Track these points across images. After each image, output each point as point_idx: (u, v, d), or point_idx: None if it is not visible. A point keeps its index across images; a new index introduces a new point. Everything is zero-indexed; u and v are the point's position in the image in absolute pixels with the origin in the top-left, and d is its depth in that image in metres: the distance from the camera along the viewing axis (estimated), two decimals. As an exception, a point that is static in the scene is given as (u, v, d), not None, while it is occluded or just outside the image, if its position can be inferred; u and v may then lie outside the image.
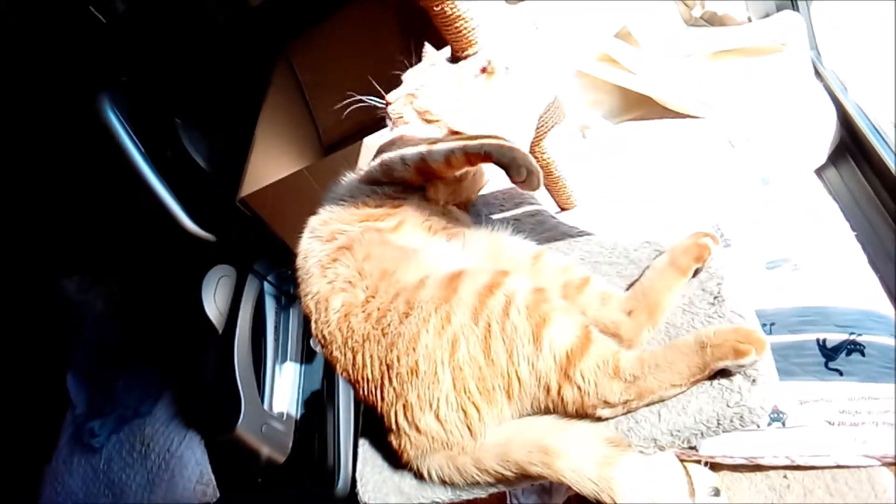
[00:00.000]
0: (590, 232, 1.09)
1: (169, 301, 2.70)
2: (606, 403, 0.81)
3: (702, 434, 0.80)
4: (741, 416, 0.77)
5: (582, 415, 0.83)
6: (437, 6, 1.44)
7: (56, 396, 2.93)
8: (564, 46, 1.50)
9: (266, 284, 2.65)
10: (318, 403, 2.43)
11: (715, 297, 0.87)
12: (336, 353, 0.98)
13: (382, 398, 0.92)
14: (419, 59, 1.48)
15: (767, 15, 2.07)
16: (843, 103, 1.94)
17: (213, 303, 2.39)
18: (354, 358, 0.94)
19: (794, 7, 2.03)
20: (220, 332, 2.37)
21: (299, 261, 1.08)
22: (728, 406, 0.78)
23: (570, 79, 1.65)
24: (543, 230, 1.11)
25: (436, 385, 0.86)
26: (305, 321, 2.81)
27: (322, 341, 1.01)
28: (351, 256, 1.01)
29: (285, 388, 2.51)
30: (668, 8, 2.14)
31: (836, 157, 1.96)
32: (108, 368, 2.86)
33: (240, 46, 2.90)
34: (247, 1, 3.10)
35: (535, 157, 1.67)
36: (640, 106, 2.20)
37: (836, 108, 1.95)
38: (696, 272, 0.91)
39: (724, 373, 0.80)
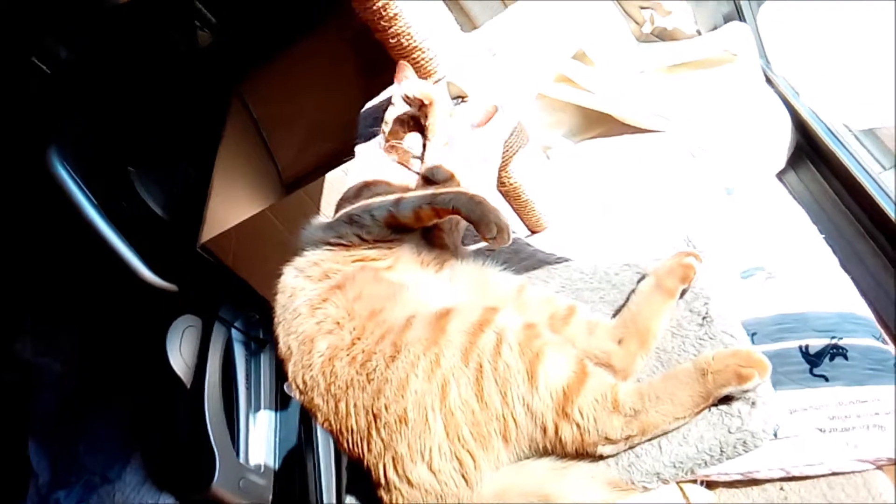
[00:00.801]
0: (567, 258, 1.06)
1: (132, 357, 2.59)
2: (608, 440, 0.78)
3: (705, 463, 0.77)
4: (744, 442, 0.75)
5: (582, 453, 0.79)
6: (392, 38, 1.42)
7: (18, 466, 2.77)
8: (523, 71, 1.49)
9: (234, 331, 2.56)
10: (296, 452, 2.34)
11: (703, 318, 0.85)
12: (317, 401, 0.92)
13: (369, 450, 0.86)
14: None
15: (716, 27, 2.11)
16: (796, 108, 1.98)
17: (180, 356, 2.30)
18: (337, 406, 0.89)
19: (741, 18, 2.08)
20: (189, 385, 2.28)
21: (282, 299, 1.02)
22: (730, 432, 0.75)
23: (531, 103, 1.64)
24: (520, 259, 1.08)
25: (427, 434, 0.81)
26: (278, 365, 2.74)
27: (301, 387, 0.95)
28: (342, 296, 0.96)
29: (261, 439, 2.42)
30: (619, 26, 2.16)
31: (794, 161, 2.00)
32: (71, 432, 2.72)
33: (191, 88, 2.84)
34: (196, 42, 3.06)
35: (503, 183, 1.66)
36: (599, 124, 2.21)
37: (790, 113, 1.99)
38: (683, 293, 0.89)
39: (723, 397, 0.77)
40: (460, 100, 1.43)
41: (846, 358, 1.28)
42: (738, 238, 1.54)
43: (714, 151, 1.88)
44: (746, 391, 0.75)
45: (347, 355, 0.90)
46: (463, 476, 0.81)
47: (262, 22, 3.18)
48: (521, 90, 1.46)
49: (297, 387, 0.95)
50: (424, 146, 1.16)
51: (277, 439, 2.51)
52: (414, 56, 1.43)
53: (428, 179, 1.12)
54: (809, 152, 1.99)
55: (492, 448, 0.81)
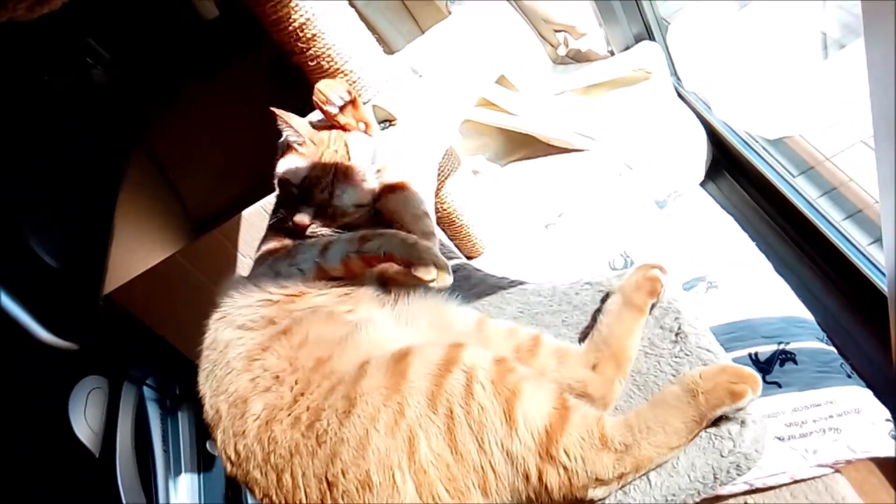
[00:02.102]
0: (521, 280, 0.99)
1: (29, 429, 2.30)
2: (598, 481, 0.70)
3: (698, 493, 0.71)
4: (738, 465, 0.70)
5: (570, 500, 0.71)
6: (312, 61, 1.33)
7: None
8: (451, 92, 1.44)
9: (146, 389, 2.33)
10: (225, 516, 2.14)
11: (676, 334, 0.80)
12: (254, 474, 0.78)
13: None
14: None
15: (628, 47, 2.15)
16: (710, 122, 2.04)
17: (85, 422, 2.05)
18: (280, 478, 0.75)
19: (651, 37, 2.13)
20: (97, 454, 2.03)
21: (212, 355, 0.89)
22: (722, 456, 0.70)
23: (458, 126, 1.59)
24: (471, 285, 1.00)
25: (396, 497, 0.70)
26: (198, 422, 2.52)
27: (233, 458, 0.81)
28: (286, 342, 0.84)
29: (184, 506, 2.19)
30: (535, 49, 2.17)
31: (711, 173, 2.05)
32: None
33: (86, 129, 2.63)
34: (89, 80, 2.85)
35: (437, 209, 1.59)
36: (524, 146, 2.20)
37: (704, 127, 2.04)
38: (651, 307, 0.84)
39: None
40: (388, 123, 1.35)
41: (795, 362, 1.27)
42: (674, 250, 1.54)
43: (640, 167, 1.89)
44: (740, 409, 0.70)
45: (289, 415, 0.77)
46: None
47: (163, 58, 3.01)
48: (449, 111, 1.40)
49: (228, 458, 0.82)
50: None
51: (202, 504, 2.29)
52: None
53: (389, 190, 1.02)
54: (726, 163, 2.05)
55: None
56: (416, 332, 0.86)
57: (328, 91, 1.03)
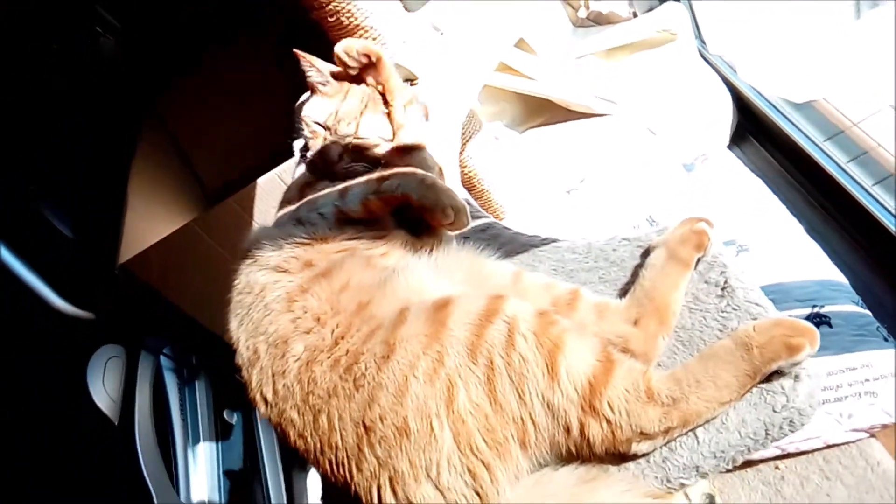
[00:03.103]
0: (553, 238, 0.96)
1: (49, 397, 2.30)
2: (643, 435, 0.67)
3: (748, 449, 0.68)
4: (791, 421, 0.67)
5: (613, 453, 0.69)
6: (331, 17, 1.28)
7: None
8: (473, 51, 1.40)
9: (163, 359, 2.33)
10: (243, 484, 2.14)
11: (723, 289, 0.77)
12: (290, 413, 0.76)
13: (359, 470, 0.71)
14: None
15: (651, 9, 2.08)
16: (736, 85, 1.98)
17: (104, 390, 2.05)
18: (317, 419, 0.74)
19: (676, -2, 2.06)
20: (116, 422, 2.03)
21: (247, 298, 0.87)
22: (775, 411, 0.67)
23: (480, 88, 1.54)
24: (500, 244, 0.97)
25: (433, 445, 0.68)
26: (216, 391, 2.52)
27: (270, 398, 0.79)
28: (326, 285, 0.82)
29: (202, 474, 2.20)
30: (556, 12, 2.11)
31: (736, 138, 2.00)
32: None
33: (96, 99, 2.59)
34: (98, 50, 2.81)
35: (459, 171, 1.55)
36: (542, 111, 2.15)
37: (729, 90, 1.98)
38: (696, 263, 0.81)
39: (764, 374, 0.69)
40: (409, 83, 1.31)
41: (830, 325, 1.24)
42: (703, 213, 1.49)
43: (664, 131, 1.84)
44: (796, 364, 0.67)
45: (329, 358, 0.75)
46: (477, 492, 0.68)
47: (174, 29, 2.97)
48: (472, 71, 1.36)
49: (264, 399, 0.80)
50: (389, 114, 1.03)
51: (220, 473, 2.30)
52: (356, 36, 1.31)
53: (401, 151, 1.00)
54: (751, 127, 1.99)
55: (509, 456, 0.68)
56: (452, 283, 0.84)
57: (345, 56, 1.02)
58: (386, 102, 1.04)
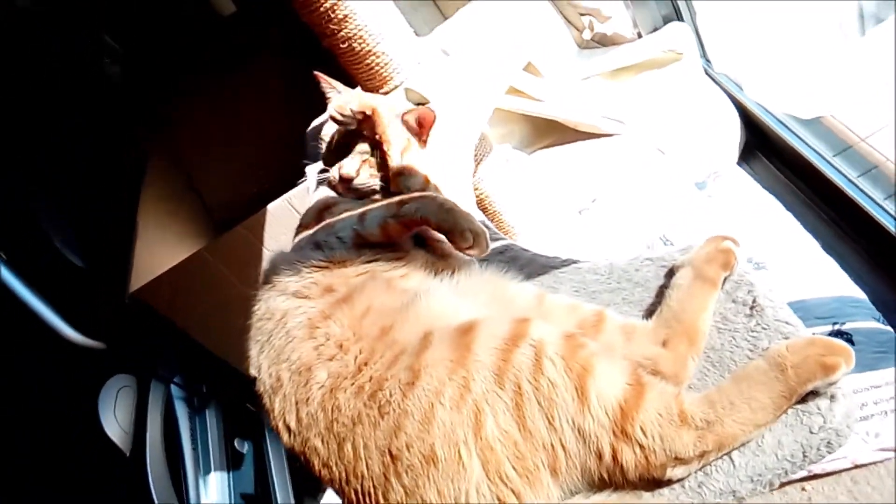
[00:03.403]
0: (574, 259, 0.95)
1: (61, 428, 2.28)
2: (678, 460, 0.66)
3: (786, 472, 0.67)
4: (828, 442, 0.65)
5: (647, 479, 0.67)
6: (343, 43, 1.30)
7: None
8: (483, 74, 1.40)
9: (173, 388, 2.31)
10: (256, 514, 2.11)
11: (751, 308, 0.76)
12: (314, 442, 0.76)
13: (386, 499, 0.70)
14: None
15: (656, 29, 2.10)
16: (743, 103, 1.98)
17: (115, 421, 2.03)
18: (342, 448, 0.73)
19: (679, 18, 2.08)
20: (128, 453, 2.01)
21: (268, 325, 0.87)
22: (812, 432, 0.66)
23: (491, 110, 1.55)
24: (520, 266, 0.96)
25: (461, 474, 0.67)
26: (226, 420, 2.50)
27: (293, 426, 0.78)
28: (348, 311, 0.82)
29: (215, 504, 2.17)
30: (561, 35, 2.12)
31: (745, 155, 2.00)
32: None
33: (103, 126, 2.61)
34: (104, 73, 2.84)
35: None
36: (550, 132, 2.15)
37: (736, 108, 1.99)
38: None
39: (799, 395, 0.67)
40: (421, 106, 1.32)
41: (852, 343, 1.22)
42: (717, 231, 1.49)
43: (673, 150, 1.84)
44: (832, 383, 0.66)
45: (353, 384, 0.75)
46: None
47: (177, 55, 3.00)
48: (483, 94, 1.36)
49: (287, 427, 0.80)
50: (383, 160, 1.04)
51: (232, 502, 2.27)
52: (367, 62, 1.32)
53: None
54: (759, 144, 1.99)
55: (539, 483, 0.67)
56: (475, 305, 0.83)
57: (339, 116, 1.05)
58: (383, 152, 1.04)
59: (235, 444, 2.37)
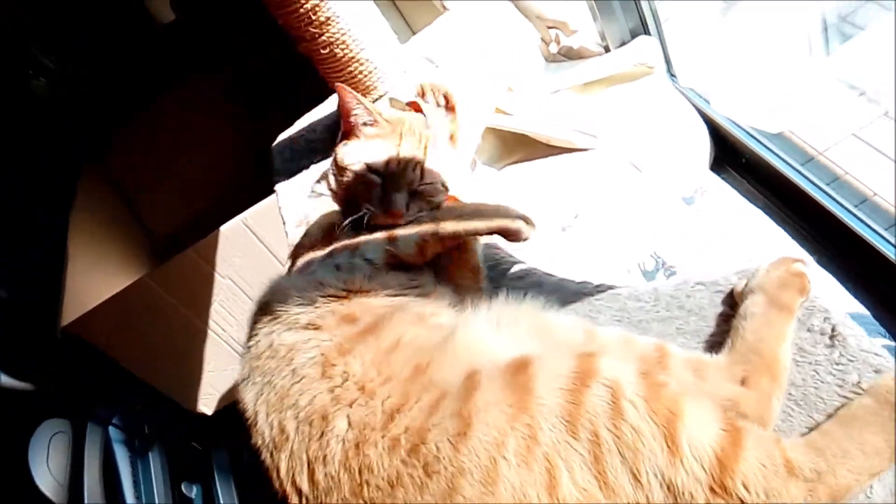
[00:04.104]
0: (610, 284, 0.87)
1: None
2: None
3: (895, 523, 0.59)
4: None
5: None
6: (324, 49, 1.18)
7: None
8: (475, 91, 1.32)
9: (112, 430, 2.09)
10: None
11: (832, 337, 0.69)
12: None
13: None
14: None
15: (623, 43, 2.07)
16: (711, 117, 1.98)
17: (48, 471, 1.80)
18: None
19: (647, 32, 2.06)
20: (63, 507, 1.79)
21: (266, 363, 0.75)
22: (926, 477, 0.58)
23: (483, 125, 1.46)
24: (546, 293, 0.87)
25: None
26: (171, 462, 2.28)
27: (305, 491, 0.66)
28: (373, 344, 0.71)
29: (163, 558, 1.96)
30: (530, 48, 2.07)
31: (714, 169, 1.99)
32: None
33: (34, 145, 2.37)
34: (32, 92, 2.59)
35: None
36: (520, 147, 2.09)
37: (705, 122, 1.99)
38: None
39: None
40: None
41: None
42: (710, 248, 1.45)
43: (648, 164, 1.81)
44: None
45: (384, 437, 0.63)
46: None
47: (114, 68, 2.78)
48: (479, 107, 1.27)
49: (297, 489, 0.66)
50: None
51: (182, 554, 2.06)
52: (350, 69, 1.21)
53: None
54: (729, 158, 1.99)
55: None
56: (517, 340, 0.73)
57: (430, 92, 0.94)
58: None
59: (183, 488, 2.17)
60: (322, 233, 0.93)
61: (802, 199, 1.72)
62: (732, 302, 0.75)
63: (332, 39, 1.17)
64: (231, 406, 2.46)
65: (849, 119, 2.03)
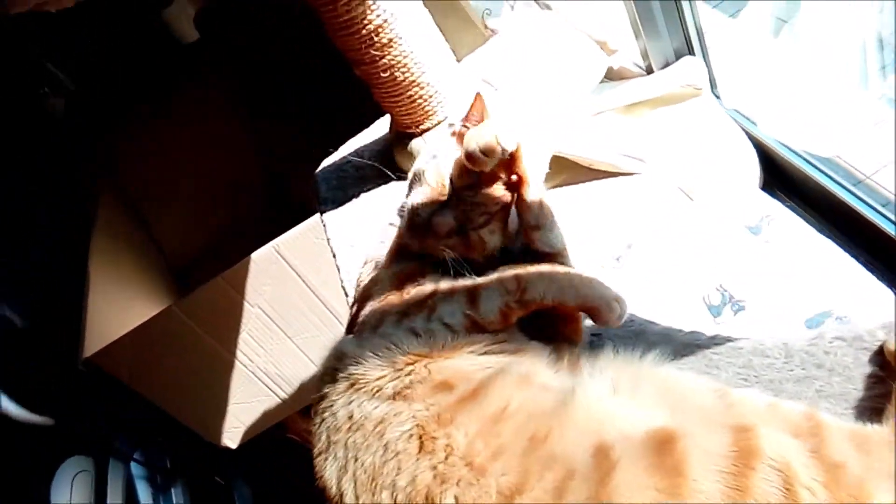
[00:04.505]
0: (728, 336, 0.78)
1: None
2: None
3: None
4: None
5: None
6: (384, 72, 1.10)
7: None
8: (542, 112, 1.24)
9: (133, 465, 2.00)
10: None
11: None
12: None
13: None
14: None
15: (667, 63, 2.01)
16: (759, 139, 1.92)
17: (70, 513, 1.71)
18: None
19: (692, 52, 2.00)
20: (87, 551, 1.69)
21: (350, 437, 0.67)
22: None
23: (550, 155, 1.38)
24: (650, 344, 0.78)
25: None
26: (194, 496, 2.18)
27: None
28: (476, 413, 0.63)
29: None
30: (592, 69, 2.01)
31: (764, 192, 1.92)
32: None
33: (50, 164, 2.29)
34: (46, 109, 2.52)
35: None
36: (561, 171, 2.01)
37: (754, 145, 1.92)
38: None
39: None
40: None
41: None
42: (783, 282, 1.36)
43: (706, 188, 1.73)
44: None
45: None
46: None
47: (131, 86, 2.72)
48: (548, 136, 1.20)
49: None
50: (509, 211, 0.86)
51: None
52: (410, 93, 1.14)
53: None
54: (779, 182, 1.93)
55: None
56: (641, 406, 0.64)
57: (481, 156, 0.85)
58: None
59: (207, 523, 2.07)
60: (392, 283, 0.86)
61: (858, 222, 1.66)
62: (883, 361, 0.66)
63: (393, 62, 1.09)
64: (255, 439, 2.37)
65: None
